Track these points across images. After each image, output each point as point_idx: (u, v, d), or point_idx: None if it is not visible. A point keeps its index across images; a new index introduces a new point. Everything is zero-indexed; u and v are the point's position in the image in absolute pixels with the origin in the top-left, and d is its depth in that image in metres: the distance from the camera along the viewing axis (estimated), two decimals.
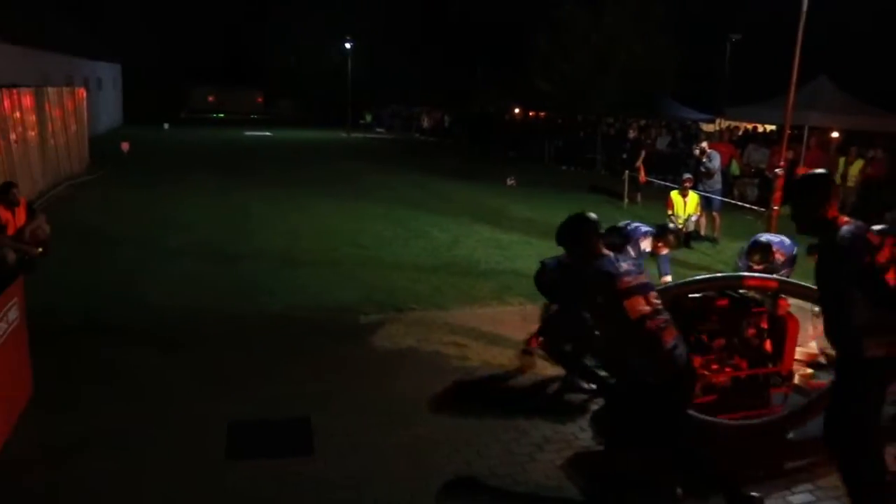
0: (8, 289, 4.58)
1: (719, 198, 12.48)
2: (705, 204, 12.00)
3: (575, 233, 3.87)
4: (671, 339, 3.68)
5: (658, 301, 3.79)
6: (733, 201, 13.92)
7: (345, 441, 4.64)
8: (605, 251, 3.82)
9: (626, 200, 15.79)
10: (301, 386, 5.44)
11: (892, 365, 3.51)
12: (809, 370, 5.92)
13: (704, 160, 12.41)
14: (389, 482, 4.20)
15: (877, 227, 3.68)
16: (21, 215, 8.73)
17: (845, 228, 3.46)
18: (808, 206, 3.61)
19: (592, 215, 3.92)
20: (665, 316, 3.75)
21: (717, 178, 12.56)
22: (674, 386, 3.71)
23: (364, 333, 6.74)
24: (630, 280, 3.71)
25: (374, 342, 6.53)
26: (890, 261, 3.42)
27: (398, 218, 12.79)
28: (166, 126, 33.53)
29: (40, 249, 8.67)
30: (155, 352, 6.00)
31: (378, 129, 41.91)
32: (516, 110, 34.87)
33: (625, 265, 3.77)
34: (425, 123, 41.21)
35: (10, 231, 8.47)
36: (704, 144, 13.01)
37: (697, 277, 5.20)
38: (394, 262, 9.56)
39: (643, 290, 3.74)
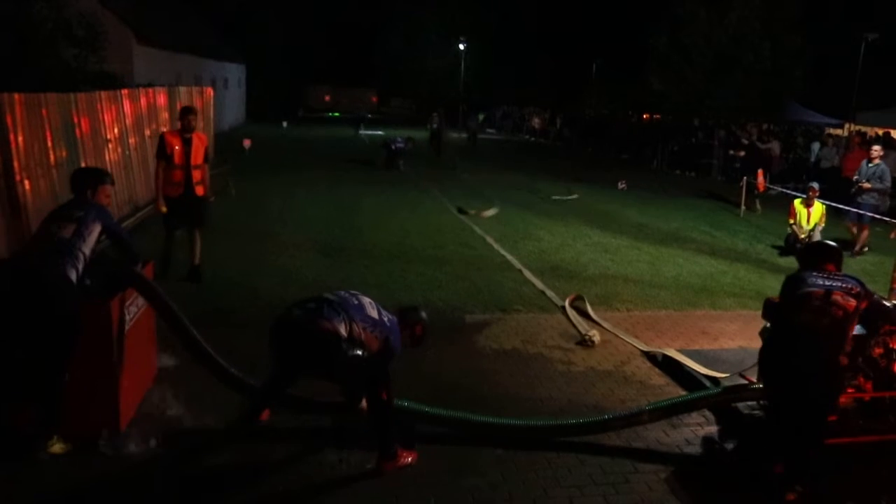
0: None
1: (846, 207, 11.75)
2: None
3: None
4: None
5: None
6: (860, 212, 13.05)
7: (439, 438, 4.68)
8: None
9: (742, 208, 15.11)
10: (404, 383, 5.48)
11: None
12: None
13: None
14: (488, 482, 4.24)
15: None
16: (199, 152, 7.69)
17: None
18: None
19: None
20: None
21: None
22: None
23: (469, 332, 6.77)
24: None
25: (479, 342, 6.55)
26: None
27: (507, 219, 12.76)
28: (285, 124, 34.77)
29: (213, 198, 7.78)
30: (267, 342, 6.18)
31: (489, 130, 41.98)
32: (630, 113, 34.14)
33: None
34: (535, 125, 41.02)
35: (177, 160, 7.49)
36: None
37: None
38: (501, 263, 9.55)
39: None
